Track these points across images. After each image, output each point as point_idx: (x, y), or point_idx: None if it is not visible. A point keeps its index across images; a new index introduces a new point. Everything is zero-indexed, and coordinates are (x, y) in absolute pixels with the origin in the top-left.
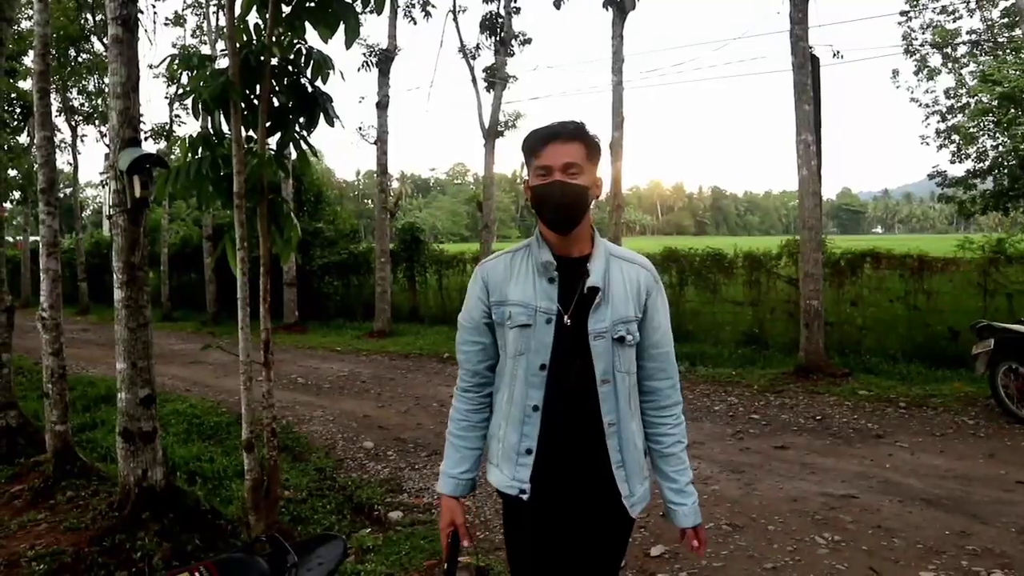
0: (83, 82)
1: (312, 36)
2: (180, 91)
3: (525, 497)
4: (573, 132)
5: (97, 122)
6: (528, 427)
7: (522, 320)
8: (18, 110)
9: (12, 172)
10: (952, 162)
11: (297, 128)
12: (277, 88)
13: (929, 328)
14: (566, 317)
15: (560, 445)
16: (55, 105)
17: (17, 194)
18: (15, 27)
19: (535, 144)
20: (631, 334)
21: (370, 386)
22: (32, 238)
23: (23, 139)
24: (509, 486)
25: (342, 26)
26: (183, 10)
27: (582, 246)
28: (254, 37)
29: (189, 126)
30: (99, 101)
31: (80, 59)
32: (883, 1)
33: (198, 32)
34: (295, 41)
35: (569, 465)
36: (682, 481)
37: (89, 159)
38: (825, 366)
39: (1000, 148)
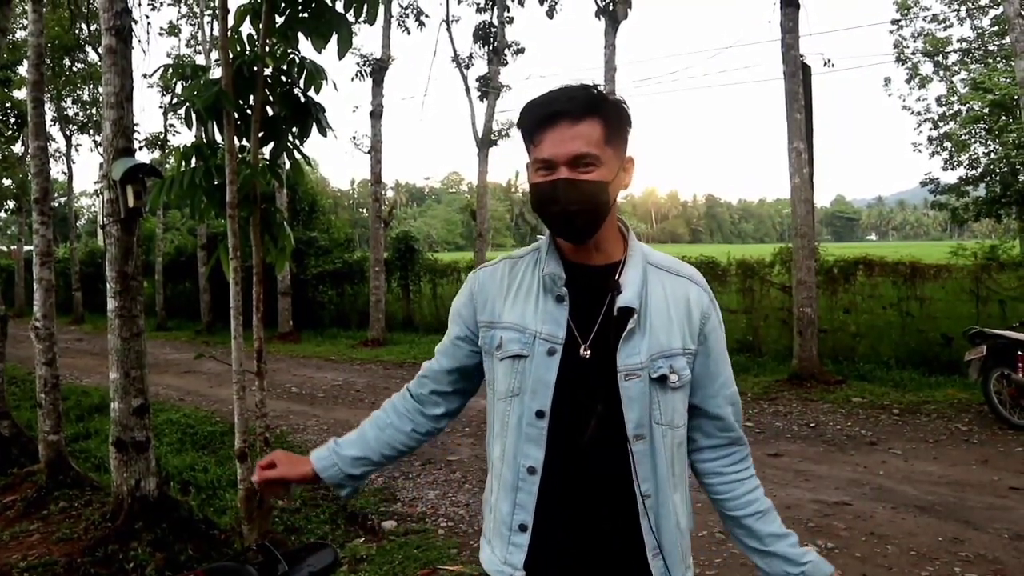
0: (78, 92)
1: (305, 46)
2: (174, 101)
3: None
4: (585, 107)
5: (92, 131)
6: (522, 495)
7: (514, 350)
8: (12, 120)
9: (6, 181)
10: (945, 169)
11: (290, 138)
12: (270, 98)
13: (922, 335)
14: (584, 347)
15: (570, 523)
16: (49, 115)
17: (11, 203)
18: (10, 37)
19: (531, 126)
20: (676, 373)
21: (364, 395)
22: (26, 247)
23: (17, 148)
24: (499, 571)
25: (335, 36)
26: (178, 20)
27: (608, 252)
28: (247, 47)
29: (183, 136)
30: (94, 110)
31: (75, 69)
32: (874, 10)
33: (192, 42)
34: (288, 51)
35: (584, 551)
36: (793, 539)
37: (84, 168)
38: (819, 373)
39: (992, 155)
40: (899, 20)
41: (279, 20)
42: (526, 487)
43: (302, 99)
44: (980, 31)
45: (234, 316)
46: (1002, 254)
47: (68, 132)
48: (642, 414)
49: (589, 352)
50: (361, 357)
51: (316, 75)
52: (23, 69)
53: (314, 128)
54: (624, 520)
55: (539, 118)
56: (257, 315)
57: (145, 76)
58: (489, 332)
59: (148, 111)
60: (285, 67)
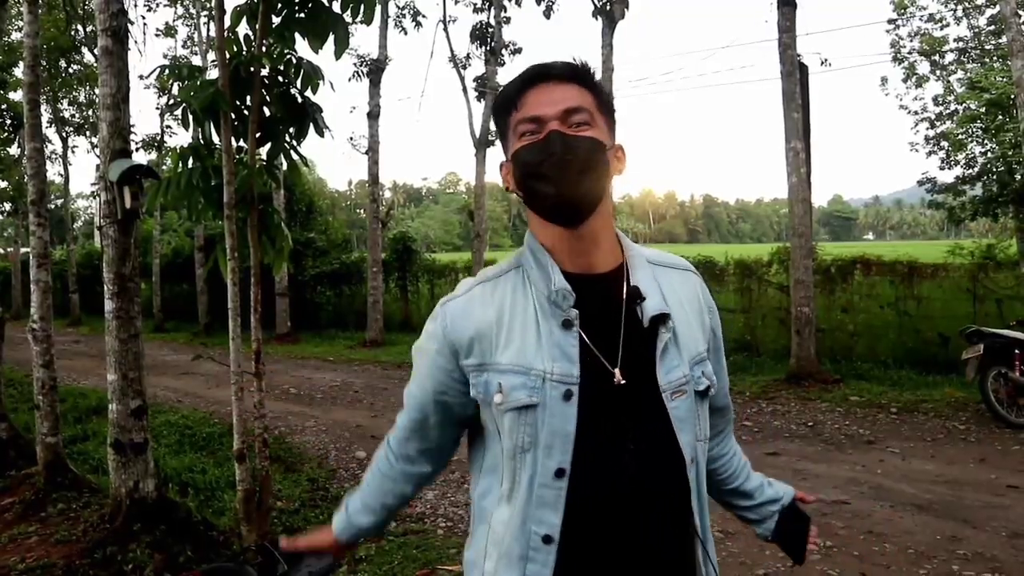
0: (74, 93)
1: (302, 46)
2: (171, 102)
3: None
4: (568, 72)
5: (88, 133)
6: (534, 566)
7: (521, 399)
8: (8, 121)
9: (2, 183)
10: (942, 168)
11: (287, 139)
12: (267, 99)
13: (920, 334)
14: (618, 373)
15: None
16: (46, 116)
17: (8, 205)
18: (6, 38)
19: (512, 93)
20: (709, 379)
21: (363, 396)
22: (23, 249)
23: (14, 150)
24: None
25: (332, 37)
26: (174, 21)
27: (610, 251)
28: (244, 48)
29: (180, 137)
30: (90, 112)
31: (71, 70)
32: (871, 10)
33: (189, 43)
34: (285, 52)
35: None
36: (764, 478)
37: (81, 170)
38: (817, 373)
39: (988, 154)
40: (896, 20)
41: (276, 20)
42: (540, 558)
43: (299, 100)
44: (977, 30)
45: (232, 317)
46: (999, 253)
47: (64, 134)
48: (692, 435)
49: (625, 380)
50: (359, 358)
51: (313, 75)
52: (19, 71)
53: (311, 129)
54: (681, 561)
55: (521, 81)
56: (255, 316)
57: (142, 77)
58: (481, 377)
59: (145, 112)
60: (282, 68)
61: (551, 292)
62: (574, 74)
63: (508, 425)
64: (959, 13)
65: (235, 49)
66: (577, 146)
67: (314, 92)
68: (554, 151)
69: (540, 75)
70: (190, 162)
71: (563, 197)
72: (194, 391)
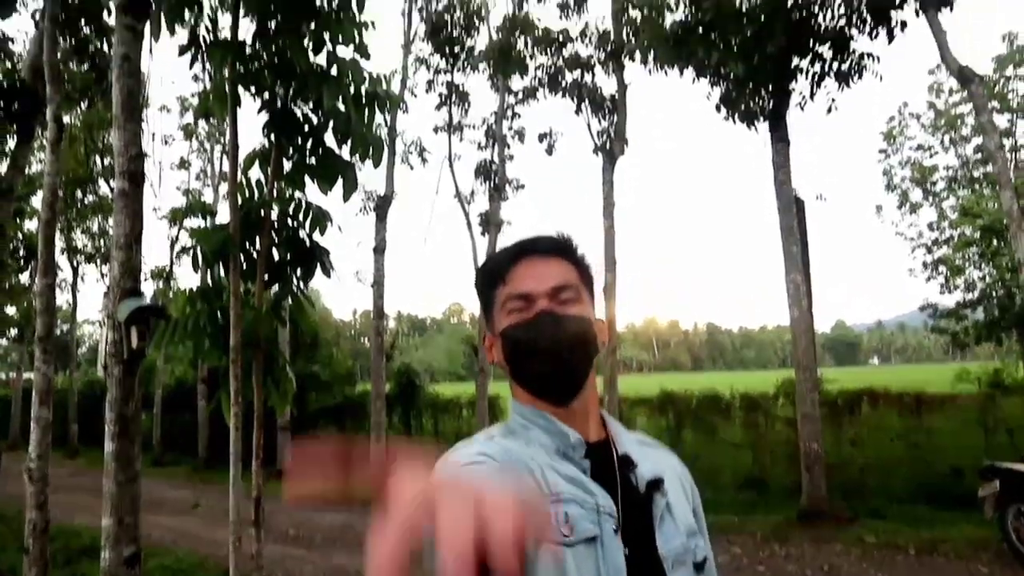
0: (87, 223)
1: (311, 186)
2: (179, 250)
3: None
4: (553, 246)
5: (99, 261)
6: None
7: (588, 529)
8: (21, 250)
9: (11, 310)
10: (942, 293)
11: (294, 280)
12: (276, 241)
13: (931, 466)
14: (619, 542)
15: None
16: (58, 246)
17: (14, 331)
18: (27, 170)
19: (500, 267)
20: (704, 550)
21: (364, 538)
22: (26, 375)
23: (24, 278)
24: None
25: (340, 179)
26: (188, 154)
27: (598, 423)
28: (255, 192)
29: (188, 267)
30: (102, 241)
31: (86, 201)
32: (862, 139)
33: (202, 176)
34: (294, 193)
35: None
36: None
37: (88, 295)
38: (829, 510)
39: (987, 279)
40: (885, 150)
41: (287, 165)
42: None
43: (307, 243)
44: (964, 159)
45: (233, 463)
46: (1007, 377)
47: (76, 263)
48: None
49: (628, 548)
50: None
51: (322, 219)
52: (36, 200)
53: (317, 269)
54: None
55: (509, 255)
56: (256, 462)
57: (155, 210)
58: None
59: (156, 243)
60: (291, 211)
61: (563, 445)
62: (560, 249)
63: (573, 562)
64: (946, 143)
65: (247, 195)
66: (568, 325)
67: (322, 234)
68: (545, 331)
69: (526, 250)
70: (198, 305)
71: (556, 376)
72: (191, 531)
